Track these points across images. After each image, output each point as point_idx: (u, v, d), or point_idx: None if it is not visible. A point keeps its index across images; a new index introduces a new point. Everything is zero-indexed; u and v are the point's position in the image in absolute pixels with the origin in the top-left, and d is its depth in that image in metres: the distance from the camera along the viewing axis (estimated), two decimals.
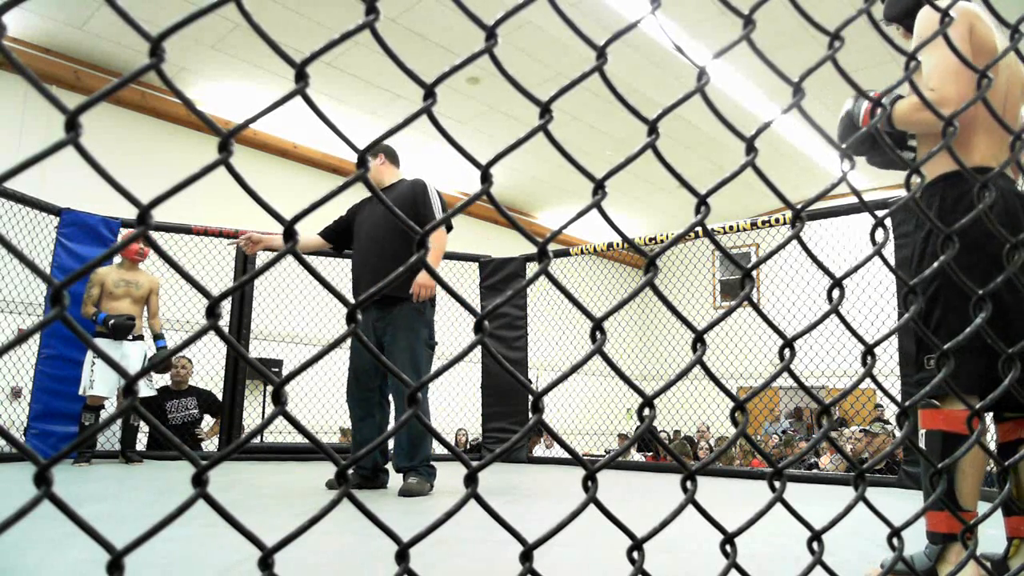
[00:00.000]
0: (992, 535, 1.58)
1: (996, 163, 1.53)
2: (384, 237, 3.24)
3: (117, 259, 4.45)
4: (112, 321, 4.18)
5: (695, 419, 7.14)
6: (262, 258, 5.29)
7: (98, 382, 4.19)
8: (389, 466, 3.31)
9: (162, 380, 5.60)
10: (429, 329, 3.23)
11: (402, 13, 6.23)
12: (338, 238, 3.53)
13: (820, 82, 1.72)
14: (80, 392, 4.23)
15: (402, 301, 3.11)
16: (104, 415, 4.37)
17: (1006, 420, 1.56)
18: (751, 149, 0.76)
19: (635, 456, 6.92)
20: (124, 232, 4.87)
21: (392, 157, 3.50)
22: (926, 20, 1.59)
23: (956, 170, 1.54)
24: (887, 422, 7.10)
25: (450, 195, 9.97)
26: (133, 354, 4.30)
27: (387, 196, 3.34)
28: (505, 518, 0.63)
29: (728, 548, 0.73)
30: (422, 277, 3.03)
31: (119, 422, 4.47)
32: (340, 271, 5.56)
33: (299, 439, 5.51)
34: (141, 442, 5.11)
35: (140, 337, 4.41)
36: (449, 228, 3.28)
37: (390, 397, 3.27)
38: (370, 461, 3.22)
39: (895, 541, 0.82)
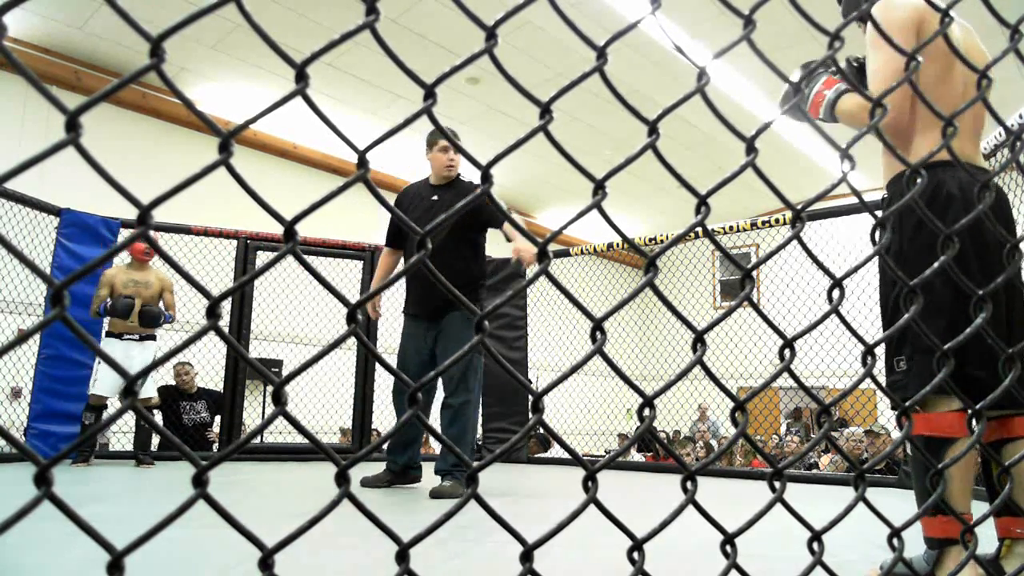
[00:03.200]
0: (992, 535, 1.58)
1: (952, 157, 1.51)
2: (445, 242, 3.14)
3: (126, 259, 4.47)
4: (110, 304, 4.19)
5: (695, 419, 7.14)
6: (262, 258, 5.30)
7: (99, 381, 4.19)
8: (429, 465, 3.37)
9: (166, 379, 5.61)
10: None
11: (402, 13, 6.23)
12: (397, 240, 3.46)
13: None
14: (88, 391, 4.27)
15: (453, 311, 3.14)
16: (106, 415, 4.37)
17: (989, 420, 1.56)
18: (751, 149, 0.76)
19: (635, 456, 6.92)
20: (124, 232, 4.87)
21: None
22: (877, 16, 1.54)
23: (903, 170, 1.53)
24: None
25: None
26: (139, 355, 4.27)
27: (446, 197, 3.22)
28: (505, 518, 0.63)
29: (728, 548, 0.73)
30: (522, 243, 2.92)
31: (131, 424, 4.47)
32: (340, 271, 5.56)
33: (299, 439, 5.52)
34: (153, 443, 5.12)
35: (151, 337, 4.39)
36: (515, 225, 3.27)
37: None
38: (403, 458, 3.31)
39: (895, 542, 0.82)
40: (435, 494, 2.94)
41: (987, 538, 1.61)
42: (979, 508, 1.48)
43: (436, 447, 6.08)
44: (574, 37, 0.67)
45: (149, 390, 4.40)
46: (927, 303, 1.45)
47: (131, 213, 0.60)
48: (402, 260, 3.50)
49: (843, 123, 1.59)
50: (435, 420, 3.42)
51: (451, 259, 3.14)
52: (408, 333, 3.35)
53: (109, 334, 4.28)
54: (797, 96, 1.67)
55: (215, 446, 5.51)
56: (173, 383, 5.58)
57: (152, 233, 0.51)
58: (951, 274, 0.87)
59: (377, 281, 3.55)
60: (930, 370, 1.40)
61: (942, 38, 0.87)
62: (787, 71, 0.79)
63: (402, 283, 3.66)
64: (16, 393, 4.94)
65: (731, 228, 4.84)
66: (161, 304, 4.45)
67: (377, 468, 3.54)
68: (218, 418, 5.55)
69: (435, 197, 3.28)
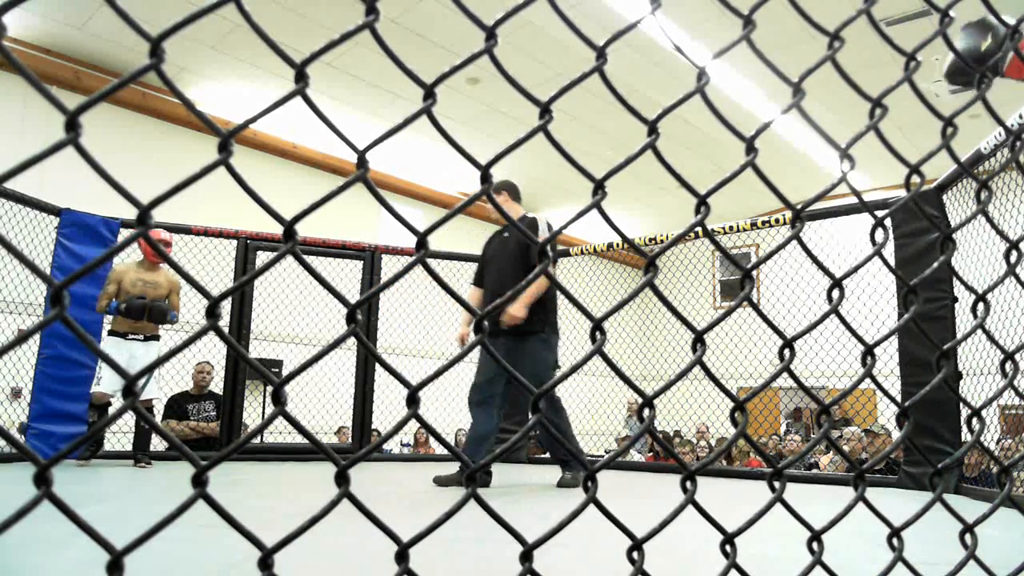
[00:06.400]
0: (991, 535, 1.58)
1: None
2: (506, 270, 3.61)
3: (137, 257, 4.43)
4: (124, 305, 4.15)
5: (695, 419, 7.14)
6: (262, 258, 5.30)
7: (104, 379, 4.14)
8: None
9: (184, 384, 5.60)
10: (554, 355, 3.63)
11: (402, 13, 6.23)
12: (479, 279, 3.91)
13: (820, 82, 1.72)
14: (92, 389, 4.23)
15: (532, 334, 3.50)
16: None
17: None
18: (751, 149, 0.76)
19: (635, 456, 6.92)
20: (124, 232, 4.87)
21: (514, 193, 3.85)
22: None
23: None
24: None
25: (450, 196, 9.97)
26: (144, 356, 4.22)
27: (507, 233, 3.79)
28: (505, 518, 0.63)
29: (728, 548, 0.73)
30: (513, 308, 3.38)
31: (130, 424, 4.43)
32: (340, 272, 5.56)
33: (299, 439, 5.52)
34: (157, 444, 5.10)
35: (156, 337, 4.35)
36: (555, 261, 3.58)
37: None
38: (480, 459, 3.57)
39: (895, 542, 0.82)
40: (560, 484, 3.45)
41: (996, 539, 1.61)
42: (978, 508, 1.47)
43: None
44: (574, 37, 0.67)
45: (151, 391, 4.31)
46: None
47: (131, 213, 0.60)
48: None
49: None
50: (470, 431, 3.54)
51: (514, 281, 3.53)
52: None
53: (113, 333, 4.22)
54: (979, 53, 1.39)
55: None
56: (184, 390, 5.56)
57: (153, 232, 0.51)
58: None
59: (466, 316, 3.96)
60: None
61: None
62: (787, 71, 0.79)
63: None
64: (16, 393, 4.95)
65: (731, 228, 4.83)
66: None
67: (380, 468, 3.54)
68: None
69: (506, 234, 3.82)
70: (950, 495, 3.36)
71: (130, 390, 0.50)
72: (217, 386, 5.37)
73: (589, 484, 0.66)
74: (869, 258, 0.82)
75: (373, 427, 5.54)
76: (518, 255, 3.61)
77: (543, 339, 3.52)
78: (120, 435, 5.40)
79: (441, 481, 3.51)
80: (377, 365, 4.89)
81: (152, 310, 4.20)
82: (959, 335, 1.65)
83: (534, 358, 3.50)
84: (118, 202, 0.81)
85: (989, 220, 0.91)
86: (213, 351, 5.67)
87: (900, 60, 0.90)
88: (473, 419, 3.66)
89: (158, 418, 5.45)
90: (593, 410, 7.70)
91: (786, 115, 0.83)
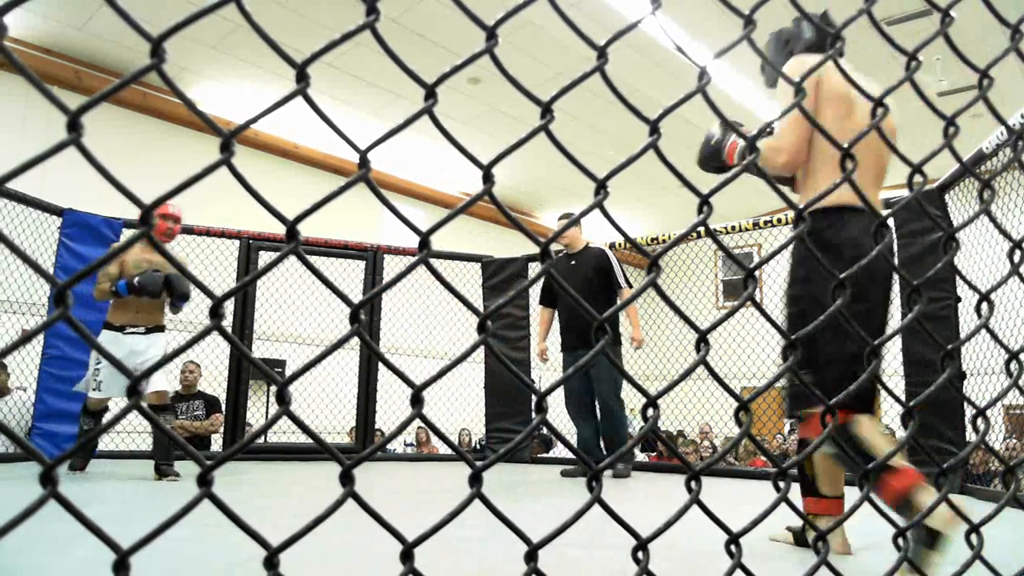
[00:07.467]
0: (996, 535, 1.57)
1: (857, 200, 1.58)
2: (581, 293, 4.08)
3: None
4: (137, 279, 3.55)
5: (698, 419, 7.13)
6: (264, 258, 5.31)
7: (106, 383, 3.66)
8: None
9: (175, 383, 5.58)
10: (619, 360, 4.17)
11: (403, 13, 6.23)
12: (552, 297, 4.47)
13: None
14: (75, 388, 3.83)
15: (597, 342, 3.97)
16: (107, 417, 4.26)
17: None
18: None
19: (639, 456, 6.91)
20: (126, 232, 4.88)
21: (580, 225, 4.34)
22: (787, 71, 1.75)
23: (821, 208, 1.68)
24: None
25: (452, 196, 9.97)
26: (147, 351, 3.73)
27: (580, 260, 4.35)
28: (509, 518, 0.63)
29: (733, 548, 0.73)
30: (635, 334, 4.21)
31: (134, 424, 4.32)
32: (343, 271, 5.57)
33: (304, 439, 5.53)
34: (142, 444, 5.08)
35: (159, 329, 3.85)
36: (630, 285, 4.26)
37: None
38: (599, 454, 4.22)
39: (900, 541, 0.81)
40: (616, 474, 3.98)
41: (996, 537, 1.60)
42: (983, 508, 1.47)
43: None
44: (574, 37, 0.67)
45: (159, 383, 3.77)
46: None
47: (133, 213, 0.60)
48: (556, 316, 4.42)
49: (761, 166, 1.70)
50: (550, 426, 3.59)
51: (591, 303, 4.03)
52: (566, 362, 4.33)
53: (109, 326, 3.72)
54: (712, 147, 2.08)
55: (213, 446, 5.49)
56: (174, 389, 5.55)
57: (163, 207, 0.51)
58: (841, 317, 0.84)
59: (541, 333, 4.51)
60: (848, 375, 1.48)
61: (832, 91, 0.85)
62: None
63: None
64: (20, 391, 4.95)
65: (733, 228, 4.83)
66: None
67: (382, 468, 3.55)
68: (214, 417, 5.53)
69: (573, 262, 4.34)
70: (955, 495, 3.35)
71: (134, 389, 0.50)
72: (221, 386, 5.37)
73: (593, 484, 0.66)
74: (870, 257, 0.82)
75: (377, 427, 5.54)
76: (591, 279, 4.13)
77: (612, 346, 4.02)
78: (125, 435, 5.39)
79: (568, 472, 4.12)
80: (380, 365, 4.91)
81: (171, 282, 3.59)
82: (962, 335, 1.69)
83: (605, 363, 3.90)
84: (120, 202, 0.81)
85: (992, 219, 0.91)
86: (216, 351, 5.67)
87: (901, 60, 0.90)
88: (577, 429, 4.22)
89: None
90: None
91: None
